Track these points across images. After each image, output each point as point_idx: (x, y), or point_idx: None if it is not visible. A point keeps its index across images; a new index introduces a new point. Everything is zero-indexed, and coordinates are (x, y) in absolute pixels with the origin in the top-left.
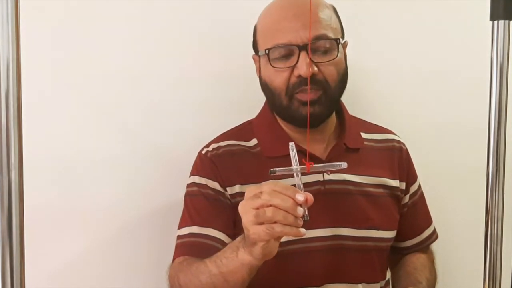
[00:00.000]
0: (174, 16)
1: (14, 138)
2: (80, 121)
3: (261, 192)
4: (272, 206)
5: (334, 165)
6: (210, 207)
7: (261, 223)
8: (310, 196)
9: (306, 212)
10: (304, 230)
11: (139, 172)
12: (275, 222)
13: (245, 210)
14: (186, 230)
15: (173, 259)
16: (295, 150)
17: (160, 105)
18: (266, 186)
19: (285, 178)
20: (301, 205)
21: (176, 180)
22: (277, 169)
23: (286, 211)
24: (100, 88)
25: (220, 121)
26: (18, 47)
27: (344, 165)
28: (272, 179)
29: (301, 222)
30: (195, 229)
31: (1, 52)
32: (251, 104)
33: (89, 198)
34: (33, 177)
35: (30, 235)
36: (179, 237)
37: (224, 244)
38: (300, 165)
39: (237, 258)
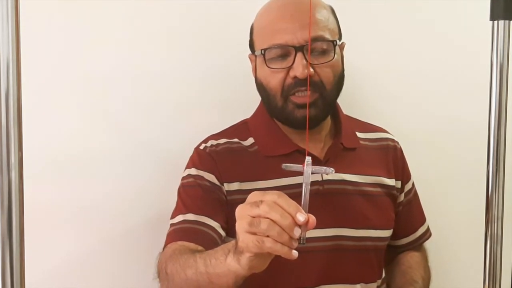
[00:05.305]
0: (168, 15)
1: (14, 138)
2: (80, 121)
3: (261, 201)
4: (269, 219)
5: (322, 169)
6: (206, 197)
7: (253, 233)
8: (312, 219)
9: (305, 235)
10: (296, 253)
11: (140, 172)
12: (267, 236)
13: (241, 215)
14: (180, 218)
15: (165, 246)
16: (309, 168)
17: (162, 104)
18: (269, 196)
19: (290, 177)
20: (300, 226)
21: (176, 178)
22: (288, 165)
23: (282, 228)
24: (99, 88)
25: (217, 120)
26: (18, 47)
27: (330, 170)
28: (271, 179)
29: (295, 244)
30: (189, 216)
31: (1, 52)
32: (246, 103)
33: (89, 198)
34: (33, 177)
35: (30, 235)
36: (172, 225)
37: (219, 235)
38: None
39: (225, 262)
